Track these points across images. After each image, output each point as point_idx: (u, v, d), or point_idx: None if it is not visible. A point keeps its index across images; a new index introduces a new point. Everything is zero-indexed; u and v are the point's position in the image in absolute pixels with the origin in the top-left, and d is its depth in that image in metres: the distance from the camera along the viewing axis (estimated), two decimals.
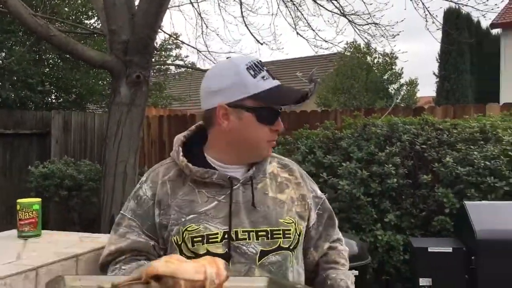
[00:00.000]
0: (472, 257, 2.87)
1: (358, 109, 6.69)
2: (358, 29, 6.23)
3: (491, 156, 3.94)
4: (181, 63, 9.94)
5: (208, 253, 1.22)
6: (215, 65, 1.45)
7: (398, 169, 4.29)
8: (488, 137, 4.24)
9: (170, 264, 0.97)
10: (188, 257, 1.11)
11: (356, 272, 2.64)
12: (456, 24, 14.82)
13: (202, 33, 7.47)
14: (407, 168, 4.35)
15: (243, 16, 6.63)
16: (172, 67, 10.35)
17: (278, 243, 1.27)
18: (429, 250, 3.05)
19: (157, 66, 9.63)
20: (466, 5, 5.90)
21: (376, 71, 13.73)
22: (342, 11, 6.12)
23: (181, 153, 1.32)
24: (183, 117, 7.37)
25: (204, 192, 1.29)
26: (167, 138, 7.06)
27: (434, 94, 15.61)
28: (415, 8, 5.73)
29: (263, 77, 1.28)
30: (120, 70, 4.75)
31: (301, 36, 6.75)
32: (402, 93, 14.16)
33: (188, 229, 1.25)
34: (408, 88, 14.26)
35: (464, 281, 2.92)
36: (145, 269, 0.98)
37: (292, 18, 6.55)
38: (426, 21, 5.78)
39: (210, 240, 1.24)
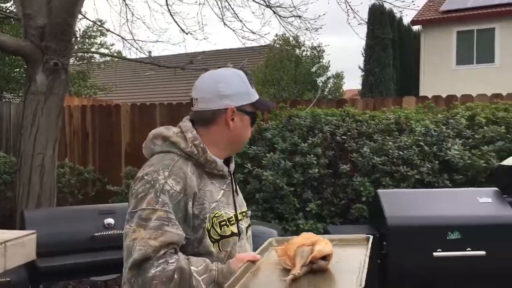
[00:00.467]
0: (384, 243, 3.03)
1: (284, 100, 6.80)
2: (283, 22, 6.30)
3: (404, 146, 4.16)
4: (106, 51, 9.60)
5: (232, 233, 1.50)
6: (218, 71, 1.58)
7: (320, 159, 4.42)
8: (403, 128, 4.46)
9: (329, 244, 1.36)
10: (215, 240, 1.46)
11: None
12: (379, 20, 15.43)
13: (127, 21, 7.25)
14: (328, 158, 4.49)
15: (167, 4, 6.49)
16: (97, 56, 9.97)
17: (249, 221, 1.63)
18: None
19: (80, 54, 9.23)
20: (385, 1, 6.12)
21: (304, 63, 14.00)
22: (267, 2, 6.16)
23: (207, 149, 1.50)
24: (107, 107, 7.13)
25: (214, 183, 1.51)
26: (91, 129, 6.80)
27: (360, 87, 16.20)
28: (337, 2, 5.88)
29: (253, 88, 1.56)
30: (36, 56, 4.50)
31: (228, 27, 6.72)
32: (329, 85, 14.57)
33: (216, 215, 1.47)
34: (335, 81, 14.69)
35: (376, 265, 3.07)
36: (313, 254, 1.32)
37: (219, 8, 6.51)
38: (348, 15, 5.95)
39: (231, 223, 1.50)
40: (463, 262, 2.93)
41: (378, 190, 3.39)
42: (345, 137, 4.56)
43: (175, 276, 1.35)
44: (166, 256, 1.37)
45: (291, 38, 14.39)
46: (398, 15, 15.76)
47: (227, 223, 1.49)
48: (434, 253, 2.93)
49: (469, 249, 2.91)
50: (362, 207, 4.08)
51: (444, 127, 4.31)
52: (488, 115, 4.42)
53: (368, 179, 4.15)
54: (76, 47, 8.22)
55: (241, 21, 6.59)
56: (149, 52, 7.96)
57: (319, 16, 6.22)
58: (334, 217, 4.29)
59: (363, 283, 1.21)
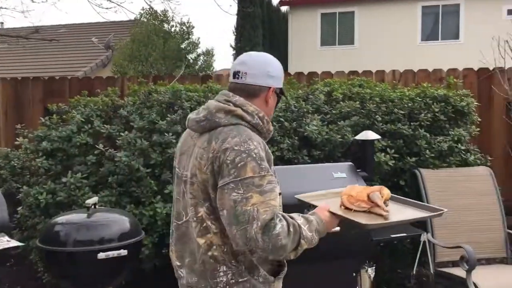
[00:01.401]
0: None
1: (145, 76, 6.39)
2: None
3: None
4: None
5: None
6: (265, 54, 1.82)
7: (179, 138, 4.13)
8: None
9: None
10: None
11: None
12: (250, 0, 15.46)
13: None
14: None
15: None
16: None
17: None
18: None
19: None
20: None
21: (174, 39, 13.51)
22: None
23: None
24: None
25: None
26: None
27: None
28: None
29: None
30: None
31: None
32: (199, 63, 14.28)
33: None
34: (206, 58, 14.44)
35: None
36: (385, 197, 1.86)
37: None
38: None
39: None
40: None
41: None
42: None
43: (291, 229, 1.55)
44: (280, 215, 1.57)
45: (159, 12, 13.81)
46: None
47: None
48: None
49: None
50: None
51: (304, 102, 4.29)
52: (344, 91, 4.50)
53: None
54: None
55: None
56: (1, 23, 6.96)
57: None
58: None
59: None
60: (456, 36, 16.19)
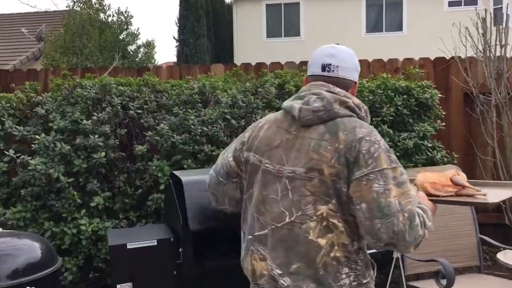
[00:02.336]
0: (180, 249, 2.34)
1: (72, 68, 5.66)
2: None
3: (209, 120, 3.51)
4: None
5: None
6: (347, 47, 1.77)
7: (109, 139, 3.53)
8: (208, 100, 3.82)
9: None
10: None
11: None
12: None
13: None
14: (120, 138, 3.64)
15: None
16: None
17: None
18: (129, 247, 2.40)
19: None
20: None
21: (111, 30, 12.61)
22: None
23: None
24: None
25: None
26: None
27: (175, 59, 15.43)
28: None
29: None
30: None
31: None
32: (139, 55, 13.45)
33: None
34: (146, 50, 13.62)
35: (171, 280, 2.39)
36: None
37: None
38: None
39: None
40: None
41: (174, 173, 2.66)
42: (141, 111, 3.74)
43: (420, 219, 1.55)
44: None
45: (94, 1, 12.88)
46: None
47: None
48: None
49: None
50: (161, 197, 3.34)
51: (253, 97, 3.78)
52: (298, 83, 4.03)
53: (168, 161, 3.42)
54: None
55: None
56: None
57: None
58: (129, 211, 3.48)
59: None
60: (400, 28, 16.28)
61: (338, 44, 1.80)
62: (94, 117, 3.57)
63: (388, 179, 1.50)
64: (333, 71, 1.68)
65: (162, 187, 3.28)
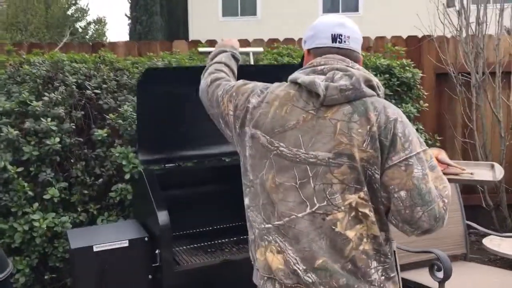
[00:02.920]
0: (157, 251, 2.02)
1: (17, 43, 5.12)
2: None
3: None
4: None
5: None
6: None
7: (64, 123, 3.12)
8: None
9: None
10: None
11: None
12: None
13: None
14: (77, 122, 3.23)
15: None
16: None
17: None
18: (95, 249, 2.06)
19: None
20: None
21: (58, 5, 11.83)
22: None
23: None
24: None
25: None
26: None
27: (128, 37, 14.79)
28: None
29: None
30: None
31: None
32: (90, 32, 12.72)
33: None
34: (97, 27, 12.89)
35: (146, 286, 2.07)
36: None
37: None
38: None
39: None
40: None
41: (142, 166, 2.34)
42: (99, 91, 3.34)
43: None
44: None
45: None
46: None
47: None
48: None
49: None
50: (126, 187, 2.98)
51: None
52: (271, 61, 3.76)
53: (133, 147, 3.06)
54: None
55: None
56: None
57: None
58: (89, 203, 3.10)
59: None
60: (356, 9, 16.29)
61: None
62: (46, 98, 3.15)
63: (424, 163, 1.41)
64: (344, 42, 1.53)
65: (127, 176, 2.92)
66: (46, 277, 2.93)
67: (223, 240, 2.39)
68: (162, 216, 1.96)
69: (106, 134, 3.15)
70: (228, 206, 2.37)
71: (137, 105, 2.48)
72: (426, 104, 3.76)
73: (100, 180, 3.15)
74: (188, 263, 2.11)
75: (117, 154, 2.95)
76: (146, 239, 2.10)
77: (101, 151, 3.18)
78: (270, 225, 1.47)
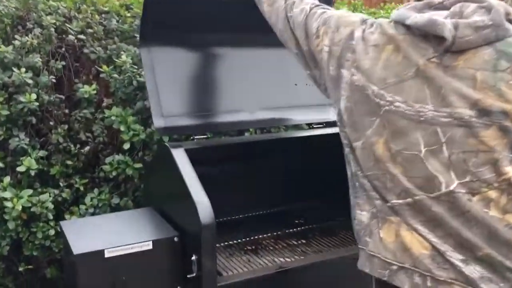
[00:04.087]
0: (193, 257, 1.46)
1: None
2: None
3: None
4: None
5: None
6: None
7: (40, 75, 2.47)
8: None
9: None
10: None
11: None
12: None
13: None
14: (57, 74, 2.58)
15: None
16: None
17: None
18: (107, 254, 1.47)
19: None
20: None
21: None
22: None
23: None
24: None
25: None
26: None
27: None
28: None
29: None
30: None
31: None
32: None
33: None
34: None
35: None
36: None
37: None
38: None
39: None
40: None
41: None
42: (84, 37, 2.69)
43: None
44: None
45: None
46: None
47: None
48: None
49: None
50: (125, 159, 2.39)
51: None
52: None
53: (132, 109, 2.46)
54: None
55: None
56: None
57: None
58: (73, 177, 2.50)
59: None
60: None
61: None
62: (17, 42, 2.47)
63: None
64: None
65: (126, 146, 2.32)
66: (20, 268, 2.34)
67: (262, 236, 1.89)
68: (203, 207, 1.40)
69: (94, 92, 2.52)
70: (263, 189, 1.86)
71: (142, 57, 1.89)
72: None
73: (87, 148, 2.54)
74: (231, 273, 1.58)
75: (113, 118, 2.34)
76: (175, 239, 1.53)
77: (88, 112, 2.55)
78: (394, 202, 1.17)
